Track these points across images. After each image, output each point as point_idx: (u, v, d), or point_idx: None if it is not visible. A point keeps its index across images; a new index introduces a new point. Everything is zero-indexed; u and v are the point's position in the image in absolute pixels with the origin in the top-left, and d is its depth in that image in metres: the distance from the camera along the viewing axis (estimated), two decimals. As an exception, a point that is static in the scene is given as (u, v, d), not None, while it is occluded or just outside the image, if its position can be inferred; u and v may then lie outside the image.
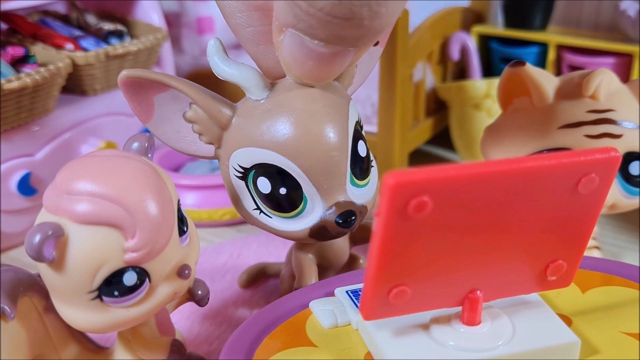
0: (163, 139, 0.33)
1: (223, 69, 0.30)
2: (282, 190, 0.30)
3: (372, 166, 0.33)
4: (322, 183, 0.30)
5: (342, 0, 0.23)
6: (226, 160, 0.31)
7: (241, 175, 0.31)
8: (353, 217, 0.30)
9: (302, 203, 0.31)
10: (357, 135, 0.31)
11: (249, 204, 0.32)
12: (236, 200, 0.32)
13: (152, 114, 0.32)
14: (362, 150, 0.31)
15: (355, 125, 0.31)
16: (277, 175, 0.30)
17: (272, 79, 0.31)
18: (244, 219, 0.33)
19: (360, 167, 0.31)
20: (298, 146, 0.29)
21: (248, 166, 0.30)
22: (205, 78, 0.34)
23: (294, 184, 0.30)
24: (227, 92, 0.32)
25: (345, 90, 0.32)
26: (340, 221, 0.30)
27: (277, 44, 0.27)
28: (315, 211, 0.31)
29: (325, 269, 0.36)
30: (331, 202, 0.30)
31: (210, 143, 0.32)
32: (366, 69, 0.34)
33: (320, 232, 0.31)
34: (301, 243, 0.35)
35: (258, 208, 0.31)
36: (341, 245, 0.35)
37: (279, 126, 0.29)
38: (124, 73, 0.30)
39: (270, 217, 0.31)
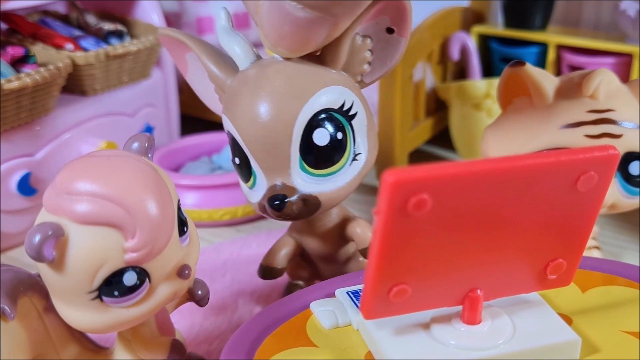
0: (198, 94, 0.36)
1: (221, 35, 0.32)
2: (237, 160, 0.31)
3: (356, 160, 0.31)
4: (262, 161, 0.30)
5: None
6: None
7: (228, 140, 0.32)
8: (285, 201, 0.30)
9: (252, 176, 0.31)
10: (321, 122, 0.30)
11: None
12: None
13: (187, 69, 0.35)
14: (320, 138, 0.30)
15: (324, 111, 0.30)
16: (233, 144, 0.31)
17: None
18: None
19: (314, 155, 0.30)
20: (244, 120, 0.30)
21: (226, 131, 0.32)
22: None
23: (244, 157, 0.31)
24: None
25: (339, 75, 0.31)
26: (271, 202, 0.30)
27: (257, 7, 0.27)
28: (262, 187, 0.31)
29: (308, 260, 0.37)
30: (273, 182, 0.31)
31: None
32: (386, 57, 0.33)
33: (264, 209, 0.32)
34: (292, 227, 0.36)
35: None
36: (320, 237, 0.35)
37: (238, 98, 0.30)
38: (159, 30, 0.34)
39: (245, 186, 0.33)
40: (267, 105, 0.29)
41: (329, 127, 0.30)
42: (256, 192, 0.32)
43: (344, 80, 0.31)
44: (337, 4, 0.25)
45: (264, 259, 0.35)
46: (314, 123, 0.30)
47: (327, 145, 0.30)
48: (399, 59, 0.33)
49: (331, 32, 0.27)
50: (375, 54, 0.33)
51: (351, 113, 0.31)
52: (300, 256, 0.36)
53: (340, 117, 0.30)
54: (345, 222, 0.35)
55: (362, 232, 0.34)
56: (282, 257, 0.34)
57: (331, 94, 0.30)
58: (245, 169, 0.31)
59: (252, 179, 0.31)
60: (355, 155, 0.31)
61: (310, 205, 0.31)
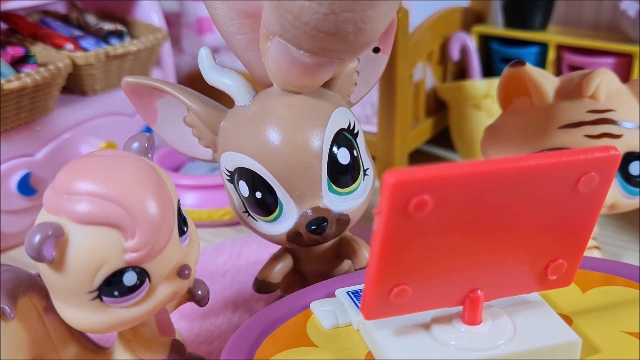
0: (168, 142, 0.34)
1: (210, 75, 0.31)
2: (258, 194, 0.31)
3: (367, 175, 0.32)
4: (293, 188, 0.30)
5: (327, 16, 0.23)
6: (219, 163, 0.32)
7: (229, 178, 0.32)
8: (325, 224, 0.30)
9: (278, 208, 0.31)
10: (340, 143, 0.30)
11: (239, 206, 0.33)
12: (231, 203, 0.33)
13: (157, 117, 0.34)
14: (343, 158, 0.30)
15: (340, 132, 0.30)
16: (253, 179, 0.30)
17: (264, 85, 0.31)
18: (240, 222, 0.34)
19: (340, 175, 0.31)
20: (269, 151, 0.29)
21: (232, 169, 0.31)
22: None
23: (269, 189, 0.30)
24: (225, 96, 0.33)
25: (338, 96, 0.32)
26: (311, 227, 0.30)
27: (263, 50, 0.27)
28: (291, 216, 0.31)
29: (302, 276, 0.36)
30: (305, 208, 0.30)
31: (208, 147, 0.33)
32: (370, 76, 0.34)
33: (295, 238, 0.31)
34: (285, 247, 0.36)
35: (246, 211, 0.32)
36: (316, 254, 0.35)
37: (253, 131, 0.30)
38: (125, 80, 0.32)
39: (256, 221, 0.32)
40: (291, 132, 0.29)
41: (347, 146, 0.31)
42: (281, 224, 0.31)
43: (343, 102, 0.32)
44: (344, 51, 0.26)
45: (259, 273, 0.35)
46: (335, 143, 0.30)
47: (349, 163, 0.31)
48: (379, 77, 0.34)
49: (339, 70, 0.28)
50: (360, 74, 0.33)
51: (355, 132, 0.32)
52: (294, 271, 0.36)
53: (349, 136, 0.31)
54: (342, 240, 0.35)
55: (360, 252, 0.34)
56: (278, 272, 0.34)
57: (341, 114, 0.31)
58: (267, 203, 0.31)
59: (277, 211, 0.31)
60: (365, 170, 0.32)
61: (343, 223, 0.31)
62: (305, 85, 0.29)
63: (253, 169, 0.30)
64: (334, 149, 0.30)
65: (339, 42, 0.24)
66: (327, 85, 0.31)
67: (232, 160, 0.31)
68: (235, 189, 0.32)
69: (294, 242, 0.32)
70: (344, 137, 0.31)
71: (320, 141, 0.30)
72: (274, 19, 0.25)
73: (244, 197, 0.31)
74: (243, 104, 0.31)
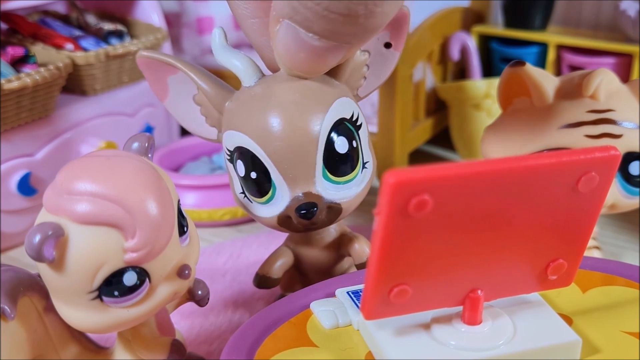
0: (177, 119, 0.35)
1: (220, 54, 0.32)
2: (253, 175, 0.31)
3: (366, 167, 0.32)
4: (287, 171, 0.30)
5: None
6: (221, 143, 0.33)
7: (229, 157, 0.32)
8: (314, 209, 0.30)
9: (271, 189, 0.31)
10: (340, 131, 0.31)
11: (237, 187, 0.33)
12: (231, 185, 0.34)
13: (167, 93, 0.34)
14: (341, 146, 0.31)
15: (340, 121, 0.31)
16: (250, 159, 0.31)
17: (274, 70, 0.32)
18: (237, 204, 0.34)
19: (336, 163, 0.31)
20: (266, 132, 0.30)
21: (231, 148, 0.32)
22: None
23: (264, 170, 0.31)
24: (235, 79, 0.33)
25: (344, 87, 0.32)
26: (301, 211, 0.30)
27: (272, 33, 0.27)
28: (283, 199, 0.31)
29: (303, 273, 0.37)
30: (297, 192, 0.31)
31: (214, 126, 0.34)
32: (380, 71, 0.34)
33: (286, 222, 0.32)
34: (289, 238, 0.36)
35: (243, 192, 0.33)
36: (317, 251, 0.35)
37: (254, 112, 0.30)
38: (140, 53, 0.33)
39: (251, 202, 0.32)
40: (291, 115, 0.30)
41: (346, 136, 0.31)
42: (273, 206, 0.32)
43: (349, 93, 0.32)
44: (353, 35, 0.26)
45: (260, 268, 0.35)
46: (334, 131, 0.30)
47: (346, 152, 0.31)
48: (390, 73, 0.34)
49: (345, 56, 0.28)
50: (371, 68, 0.33)
51: (358, 123, 0.32)
52: (295, 269, 0.36)
53: (351, 126, 0.31)
54: (342, 237, 0.35)
55: (360, 247, 0.34)
56: (279, 268, 0.35)
57: (344, 104, 0.31)
58: (261, 184, 0.31)
59: (270, 193, 0.31)
60: (365, 163, 0.32)
61: (334, 212, 0.31)
62: (312, 69, 0.29)
63: (250, 149, 0.31)
64: (332, 136, 0.30)
65: (349, 24, 0.25)
66: (334, 74, 0.32)
67: (232, 139, 0.31)
68: (234, 168, 0.32)
69: (284, 226, 0.32)
70: (345, 127, 0.31)
71: (318, 127, 0.30)
72: (284, 1, 0.25)
73: (241, 176, 0.32)
74: (248, 85, 0.32)
